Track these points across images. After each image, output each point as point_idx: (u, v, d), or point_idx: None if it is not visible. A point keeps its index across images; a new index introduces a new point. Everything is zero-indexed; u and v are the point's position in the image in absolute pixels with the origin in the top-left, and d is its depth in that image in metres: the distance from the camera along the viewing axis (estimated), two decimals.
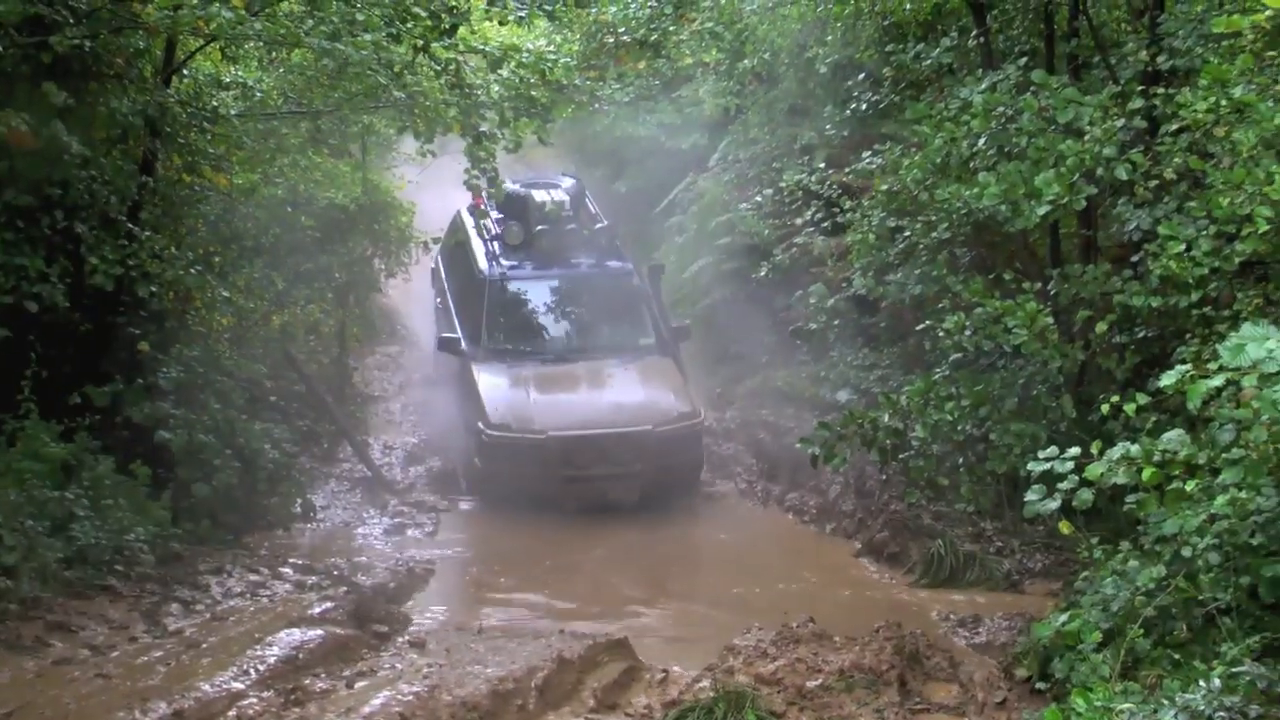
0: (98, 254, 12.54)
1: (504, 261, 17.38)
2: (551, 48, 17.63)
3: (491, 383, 15.79)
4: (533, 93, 15.39)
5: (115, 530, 11.37)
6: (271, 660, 9.13)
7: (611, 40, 24.81)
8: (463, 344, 16.56)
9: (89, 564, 10.90)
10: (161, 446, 12.94)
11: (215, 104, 14.85)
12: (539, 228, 17.48)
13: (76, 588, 10.58)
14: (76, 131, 12.15)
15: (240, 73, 16.43)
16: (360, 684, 8.87)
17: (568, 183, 19.46)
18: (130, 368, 13.30)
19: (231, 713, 8.28)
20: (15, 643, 9.36)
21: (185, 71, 14.79)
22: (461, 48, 14.76)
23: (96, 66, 12.94)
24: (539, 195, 18.34)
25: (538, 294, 17.39)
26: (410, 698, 8.27)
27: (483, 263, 17.51)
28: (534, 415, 15.22)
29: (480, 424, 15.23)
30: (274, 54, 16.38)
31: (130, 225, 13.01)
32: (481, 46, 15.26)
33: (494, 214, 18.02)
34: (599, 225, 18.22)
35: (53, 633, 9.65)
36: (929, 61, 14.34)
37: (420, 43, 13.91)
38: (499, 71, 15.12)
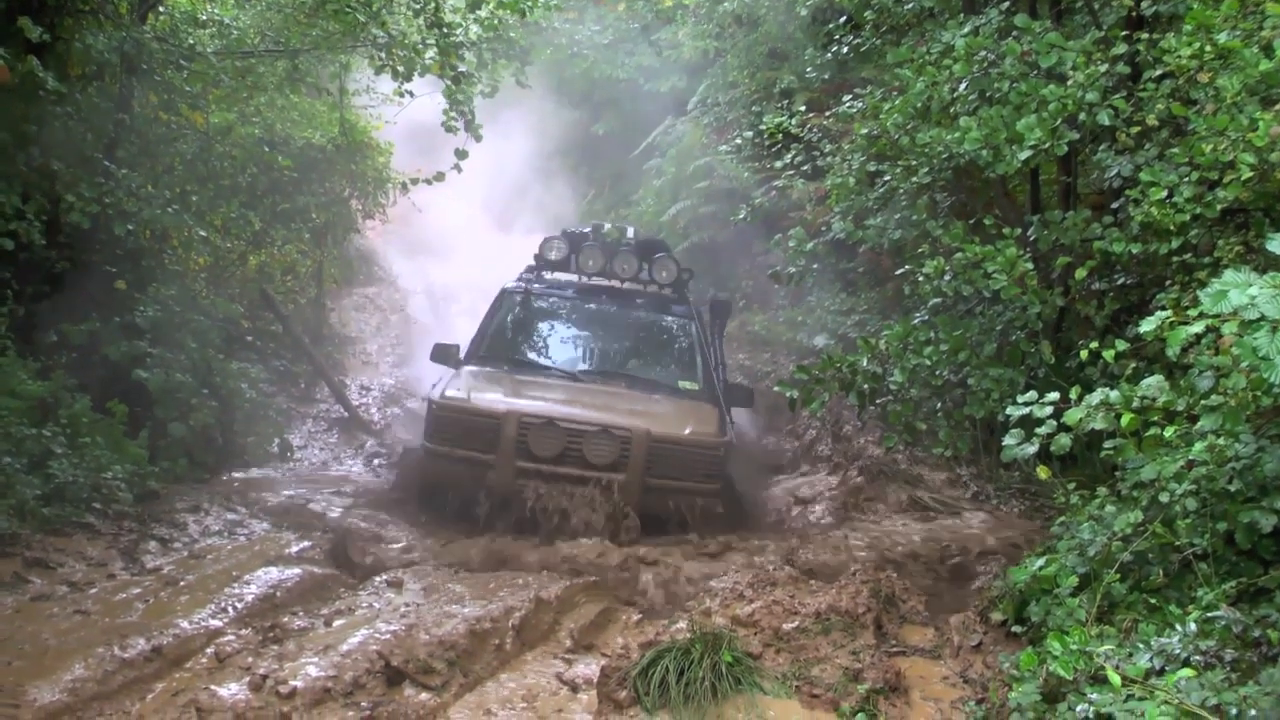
0: (74, 192, 12.50)
1: (534, 283, 14.86)
2: None
3: (471, 373, 13.32)
4: (511, 34, 15.35)
5: (93, 468, 11.40)
6: (249, 598, 9.18)
7: None
8: (459, 354, 13.69)
9: (67, 501, 10.90)
10: (138, 385, 12.96)
11: (192, 41, 14.77)
12: (586, 244, 14.88)
13: (54, 525, 10.58)
14: (52, 68, 12.09)
15: (217, 10, 16.32)
16: (338, 622, 8.86)
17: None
18: (107, 306, 13.28)
19: (210, 649, 8.28)
20: None
21: (161, 8, 14.72)
22: None
23: (72, 2, 12.84)
24: (607, 225, 15.66)
25: (561, 313, 14.83)
26: (388, 636, 8.27)
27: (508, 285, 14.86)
28: (502, 399, 12.58)
29: (431, 399, 12.77)
30: None
31: (107, 163, 12.97)
32: None
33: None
34: (659, 254, 15.18)
35: (31, 569, 9.64)
36: (911, 5, 14.23)
37: None
38: (478, 11, 15.05)
